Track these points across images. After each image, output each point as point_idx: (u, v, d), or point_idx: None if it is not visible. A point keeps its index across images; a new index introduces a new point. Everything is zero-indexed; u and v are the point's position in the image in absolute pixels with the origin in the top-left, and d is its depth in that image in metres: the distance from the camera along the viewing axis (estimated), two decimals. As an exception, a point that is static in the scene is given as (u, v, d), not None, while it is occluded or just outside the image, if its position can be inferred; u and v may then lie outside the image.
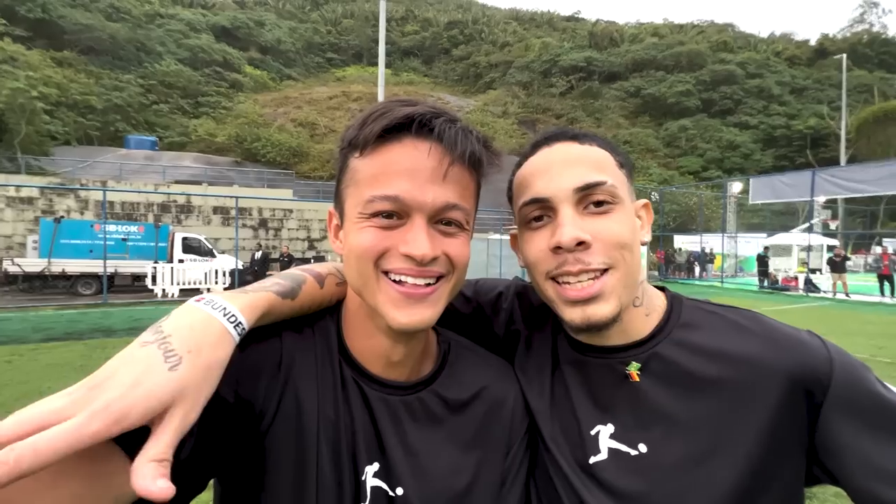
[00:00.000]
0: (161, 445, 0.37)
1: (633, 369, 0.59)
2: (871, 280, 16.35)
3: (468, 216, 0.53)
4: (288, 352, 0.55)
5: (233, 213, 18.75)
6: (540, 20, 76.33)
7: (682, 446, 0.54)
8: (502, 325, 0.74)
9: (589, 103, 50.55)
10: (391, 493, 0.54)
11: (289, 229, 21.80)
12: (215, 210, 20.68)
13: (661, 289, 0.67)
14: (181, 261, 14.21)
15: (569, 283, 0.57)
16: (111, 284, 12.99)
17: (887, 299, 14.07)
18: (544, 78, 53.47)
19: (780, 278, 17.89)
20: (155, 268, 13.16)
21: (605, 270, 0.56)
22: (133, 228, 14.18)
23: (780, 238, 24.40)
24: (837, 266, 14.85)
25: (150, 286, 13.10)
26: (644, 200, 0.65)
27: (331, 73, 57.25)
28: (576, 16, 79.51)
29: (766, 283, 17.65)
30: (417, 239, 0.48)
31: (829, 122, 40.61)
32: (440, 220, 0.51)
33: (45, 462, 0.31)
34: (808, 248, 18.25)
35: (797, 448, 0.53)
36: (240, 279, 14.11)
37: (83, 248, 13.06)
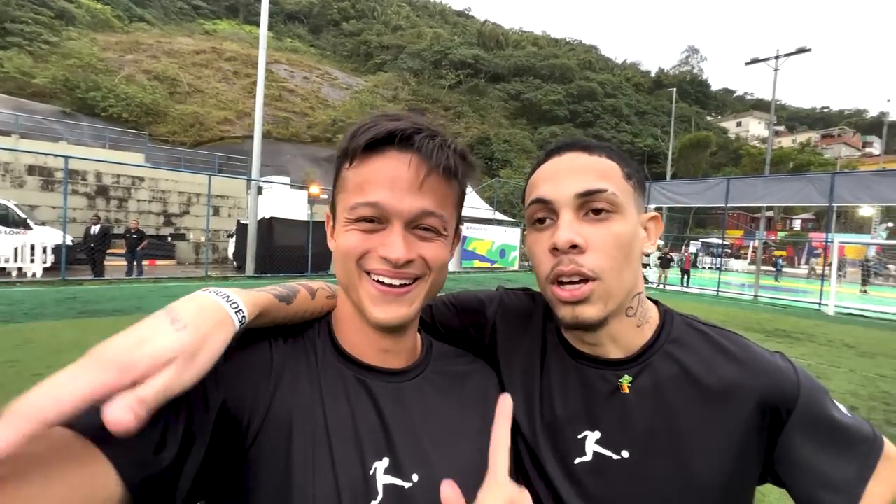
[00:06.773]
0: (149, 388, 0.38)
1: (625, 382, 0.65)
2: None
3: (445, 222, 0.58)
4: (278, 356, 0.56)
5: (58, 175, 15.29)
6: (433, 10, 76.91)
7: (663, 454, 0.61)
8: (486, 334, 0.76)
9: (475, 100, 52.74)
10: (405, 485, 0.54)
11: (138, 200, 18.60)
12: (31, 170, 16.57)
13: (654, 301, 0.72)
14: (-21, 231, 11.17)
15: (562, 283, 0.63)
16: None
17: (686, 288, 18.40)
18: (435, 69, 54.18)
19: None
20: (-64, 238, 10.13)
21: (594, 279, 0.61)
22: None
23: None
24: (664, 262, 18.61)
25: (-73, 262, 10.06)
26: (653, 213, 0.68)
27: (198, 24, 49.58)
28: (466, 12, 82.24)
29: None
30: (394, 243, 0.54)
31: (660, 143, 49.55)
32: (417, 225, 0.56)
33: (57, 417, 0.33)
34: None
35: (758, 457, 0.62)
36: (69, 257, 11.62)
37: None
